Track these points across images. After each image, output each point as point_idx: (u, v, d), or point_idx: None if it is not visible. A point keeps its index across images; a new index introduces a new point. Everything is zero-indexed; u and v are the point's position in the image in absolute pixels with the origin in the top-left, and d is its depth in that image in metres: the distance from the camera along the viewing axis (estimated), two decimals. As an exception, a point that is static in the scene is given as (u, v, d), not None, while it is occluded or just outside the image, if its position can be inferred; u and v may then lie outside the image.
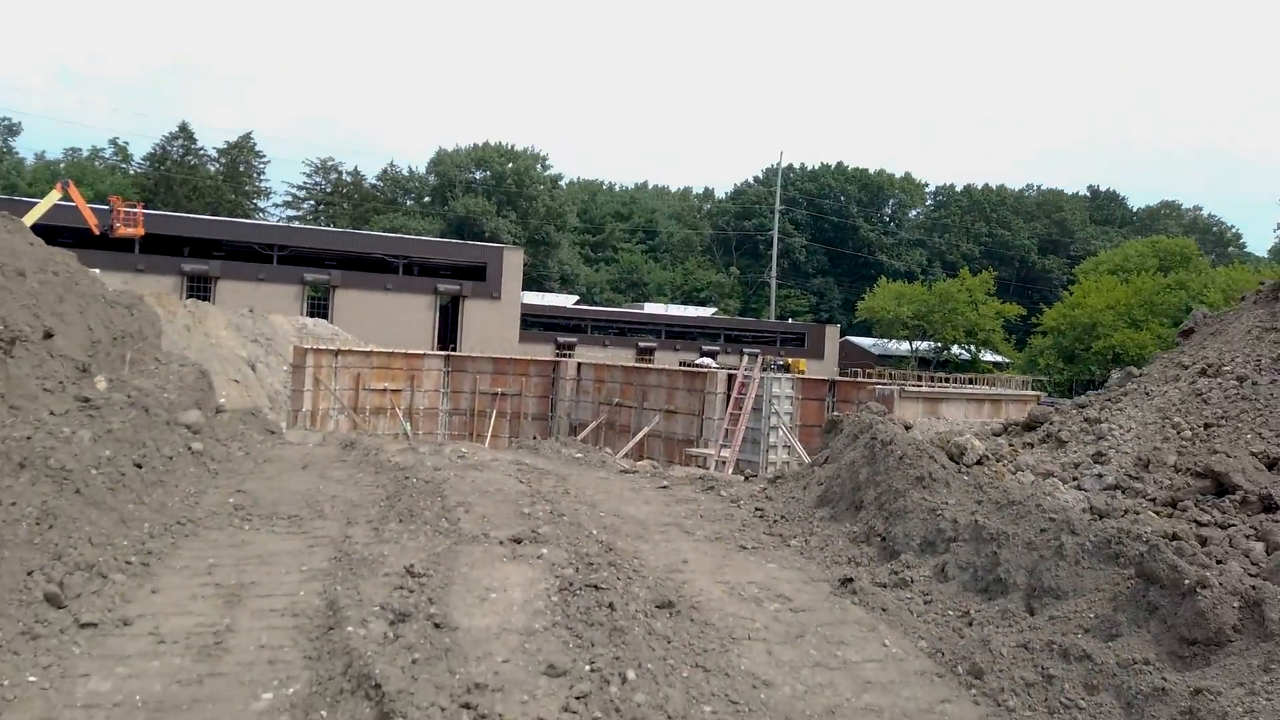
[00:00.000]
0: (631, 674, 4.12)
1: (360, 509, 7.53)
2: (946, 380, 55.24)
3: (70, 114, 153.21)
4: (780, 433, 21.59)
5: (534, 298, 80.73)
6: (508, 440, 34.53)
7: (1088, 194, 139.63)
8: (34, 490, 5.27)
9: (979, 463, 6.90)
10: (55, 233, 46.82)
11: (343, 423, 31.53)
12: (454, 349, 62.80)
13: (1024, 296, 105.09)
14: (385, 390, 32.97)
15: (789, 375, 28.43)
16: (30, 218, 35.45)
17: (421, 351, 35.54)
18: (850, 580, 5.69)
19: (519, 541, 6.15)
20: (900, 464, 6.60)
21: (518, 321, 66.99)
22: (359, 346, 40.58)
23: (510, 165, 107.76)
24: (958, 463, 6.70)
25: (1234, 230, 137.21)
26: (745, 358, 24.05)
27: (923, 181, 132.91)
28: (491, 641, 4.48)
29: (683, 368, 48.67)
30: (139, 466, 6.80)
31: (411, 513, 6.92)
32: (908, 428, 8.56)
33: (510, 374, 34.48)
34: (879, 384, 22.91)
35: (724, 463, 21.29)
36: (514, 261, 67.32)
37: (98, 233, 45.39)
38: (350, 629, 4.39)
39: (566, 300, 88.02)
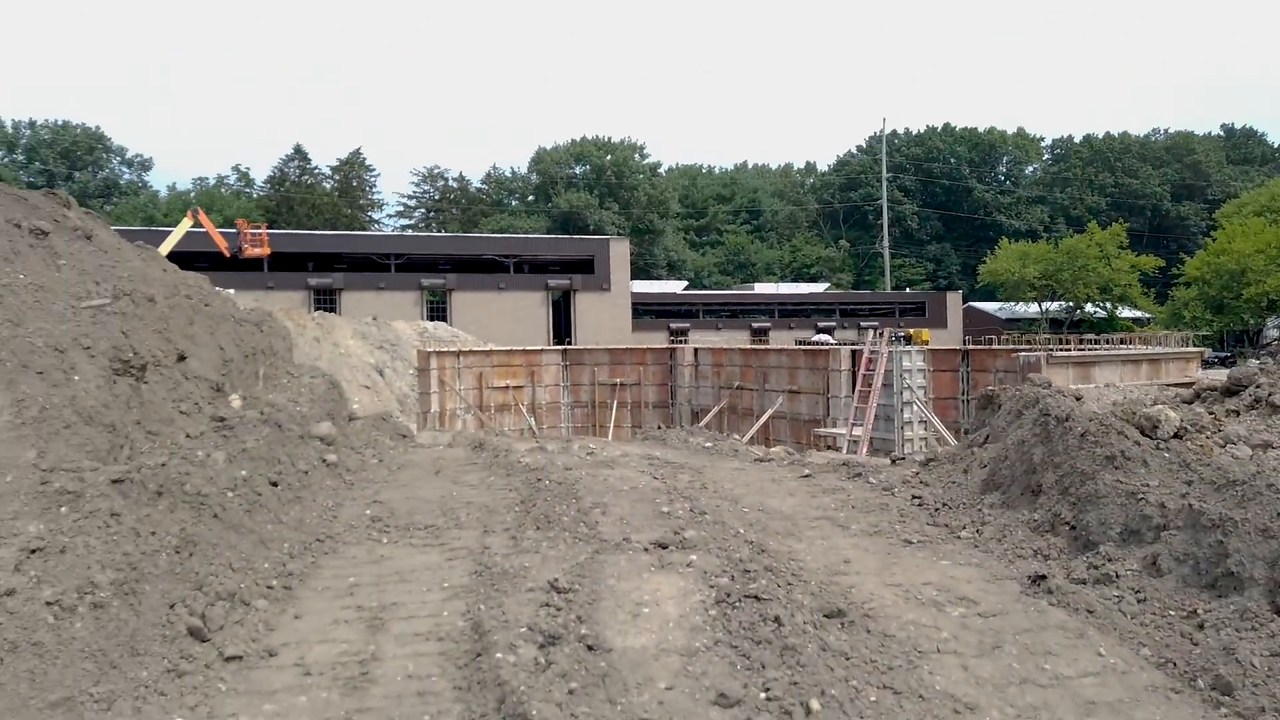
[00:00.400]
0: (815, 703, 3.64)
1: (496, 515, 7.28)
2: (1095, 342, 52.00)
3: (194, 145, 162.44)
4: (915, 408, 20.58)
5: (643, 286, 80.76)
6: (630, 430, 34.41)
7: (1222, 134, 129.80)
8: (172, 518, 5.18)
9: (1177, 436, 6.07)
10: (191, 258, 49.53)
11: (470, 421, 32.07)
12: (569, 342, 63.43)
13: (1159, 247, 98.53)
14: (508, 387, 33.35)
15: (915, 347, 27.18)
16: (165, 246, 37.49)
17: (539, 347, 35.82)
18: (1043, 577, 5.02)
19: (665, 547, 5.73)
20: (1083, 442, 5.86)
21: (629, 311, 67.05)
22: (478, 346, 41.30)
23: (609, 157, 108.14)
24: (1151, 437, 5.91)
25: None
26: (871, 333, 23.07)
27: (1037, 136, 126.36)
28: (650, 664, 4.08)
29: (801, 346, 47.60)
30: (275, 484, 6.72)
31: (548, 518, 6.60)
32: (1078, 399, 7.72)
33: (627, 364, 34.34)
34: (1019, 350, 21.55)
35: (856, 442, 20.46)
36: (620, 252, 67.39)
37: (228, 255, 47.72)
38: (499, 655, 4.05)
39: (676, 286, 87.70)
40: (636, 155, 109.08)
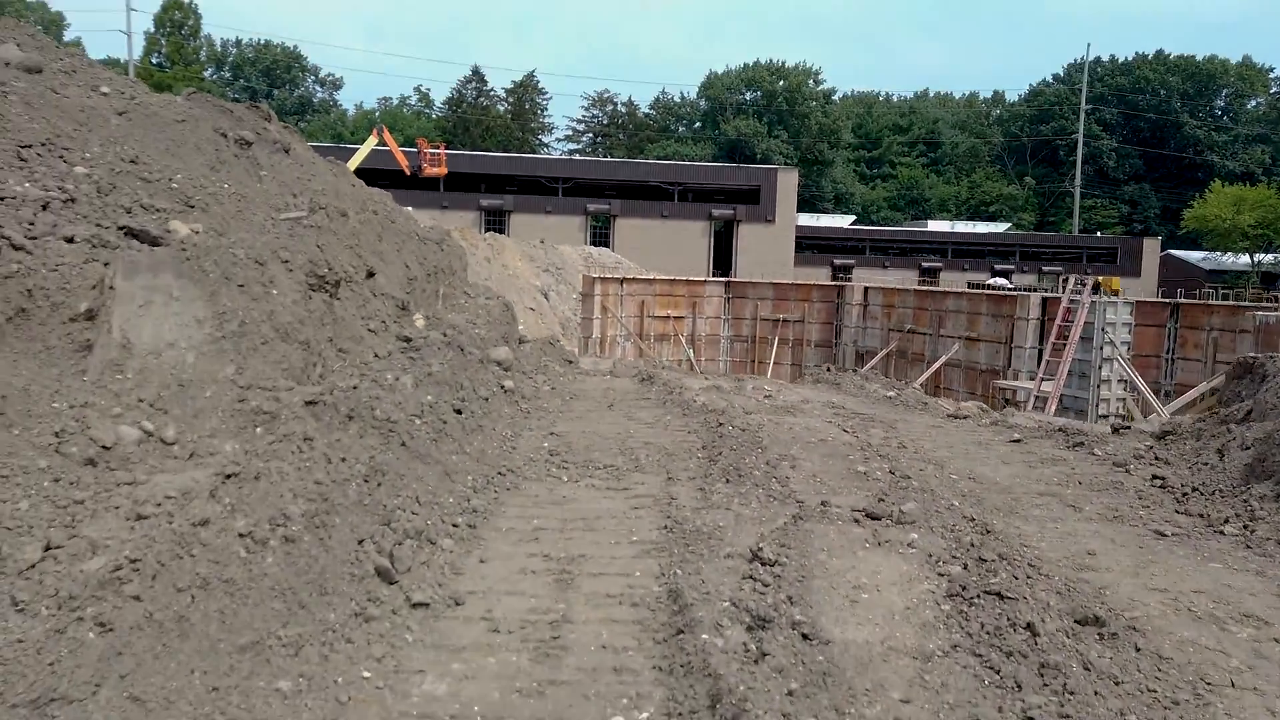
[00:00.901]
0: (1096, 744, 3.01)
1: (677, 460, 6.85)
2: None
3: (381, 65, 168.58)
4: (1115, 365, 18.76)
5: (808, 219, 78.25)
6: (790, 369, 33.57)
7: None
8: (362, 444, 5.00)
9: None
10: (375, 175, 51.54)
11: (629, 349, 32.12)
12: (730, 274, 62.52)
13: None
14: (669, 317, 33.10)
15: (1114, 298, 24.85)
16: (353, 163, 39.01)
17: (703, 278, 35.26)
18: (1356, 599, 4.11)
19: (877, 519, 5.12)
20: None
21: (792, 245, 65.27)
22: (641, 274, 41.20)
23: (782, 83, 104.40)
24: None
25: None
26: (1070, 280, 21.20)
27: (1265, 66, 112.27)
28: (879, 666, 3.53)
29: (975, 290, 44.93)
30: (459, 412, 6.53)
31: (738, 471, 6.10)
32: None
33: (792, 300, 33.32)
34: (1250, 307, 19.19)
35: (1044, 399, 18.93)
36: (788, 183, 65.36)
37: (409, 173, 49.34)
38: (705, 637, 3.61)
39: (843, 221, 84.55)
40: (810, 81, 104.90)
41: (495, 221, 61.51)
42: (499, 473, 6.11)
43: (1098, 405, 18.81)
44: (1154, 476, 6.52)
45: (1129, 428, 8.58)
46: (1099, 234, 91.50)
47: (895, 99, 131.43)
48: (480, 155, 71.76)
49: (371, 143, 45.49)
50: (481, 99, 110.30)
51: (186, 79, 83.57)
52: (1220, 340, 21.74)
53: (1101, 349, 18.51)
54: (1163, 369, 22.64)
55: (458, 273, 15.70)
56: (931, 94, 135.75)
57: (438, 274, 12.98)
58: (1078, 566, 4.68)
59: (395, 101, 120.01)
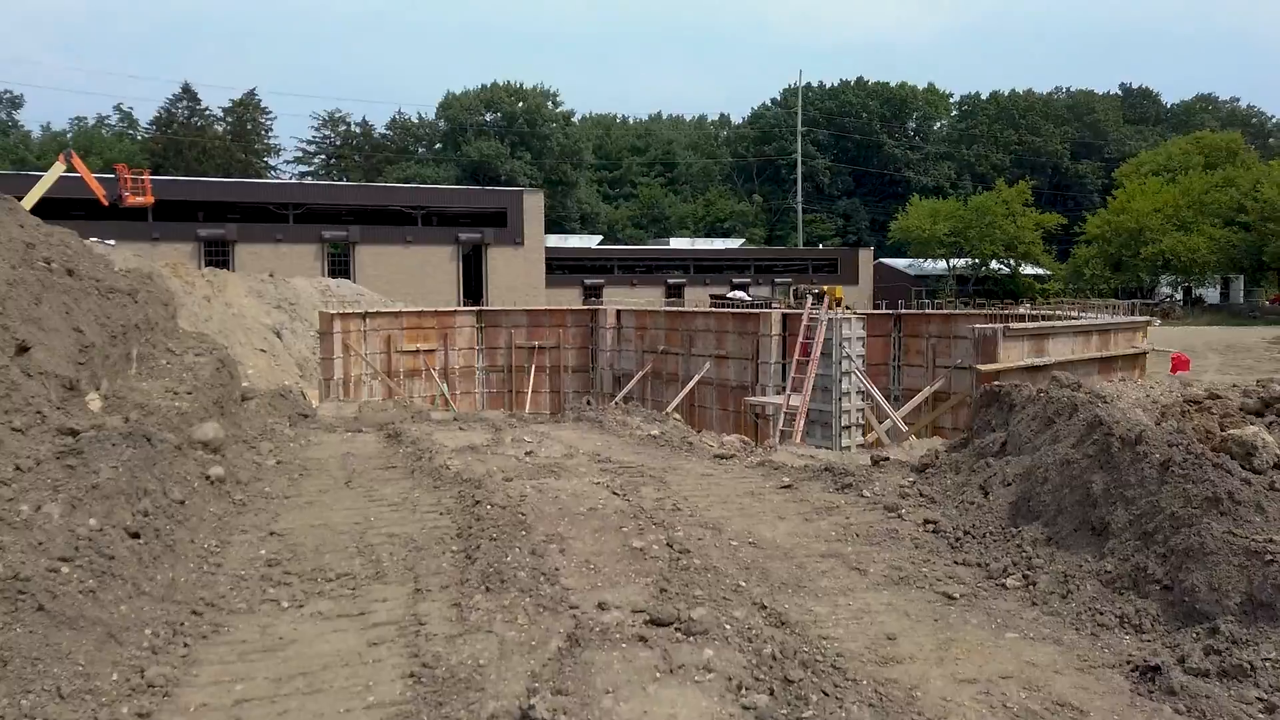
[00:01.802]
0: None
1: (426, 558, 5.84)
2: (991, 304, 52.46)
3: (71, 82, 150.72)
4: (854, 378, 19.73)
5: (557, 240, 78.58)
6: (549, 397, 32.98)
7: (1120, 92, 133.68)
8: (-29, 623, 3.58)
9: (1278, 466, 5.07)
10: (68, 206, 45.31)
11: (377, 388, 30.07)
12: (480, 300, 61.17)
13: (1058, 205, 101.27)
14: (418, 351, 31.42)
15: (851, 313, 26.38)
16: (31, 197, 33.79)
17: (452, 308, 33.86)
18: (1156, 669, 3.93)
19: (664, 625, 4.42)
20: (1167, 475, 4.78)
21: (543, 266, 65.12)
22: (386, 306, 38.96)
23: (521, 104, 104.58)
24: (1246, 468, 4.88)
25: (1276, 120, 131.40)
26: (808, 298, 22.17)
27: (947, 92, 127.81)
28: None
29: (722, 305, 46.69)
30: (136, 535, 5.12)
31: (499, 574, 5.20)
32: (1104, 399, 6.69)
33: (546, 325, 32.78)
34: (967, 317, 20.89)
35: (794, 413, 19.55)
36: (535, 205, 65.18)
37: (106, 204, 43.78)
38: None
39: (590, 241, 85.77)
40: (550, 103, 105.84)
41: (217, 253, 56.24)
42: (193, 612, 4.80)
43: (840, 416, 19.68)
44: (926, 521, 6.36)
45: (888, 459, 8.60)
46: (821, 246, 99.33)
47: (632, 121, 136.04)
48: (196, 181, 65.52)
49: (58, 170, 39.82)
50: (195, 119, 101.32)
51: None
52: (938, 346, 23.62)
53: (840, 363, 19.38)
54: (890, 375, 24.26)
55: (159, 325, 13.52)
56: (664, 116, 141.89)
57: (128, 332, 10.96)
58: (882, 659, 4.23)
59: (92, 122, 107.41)
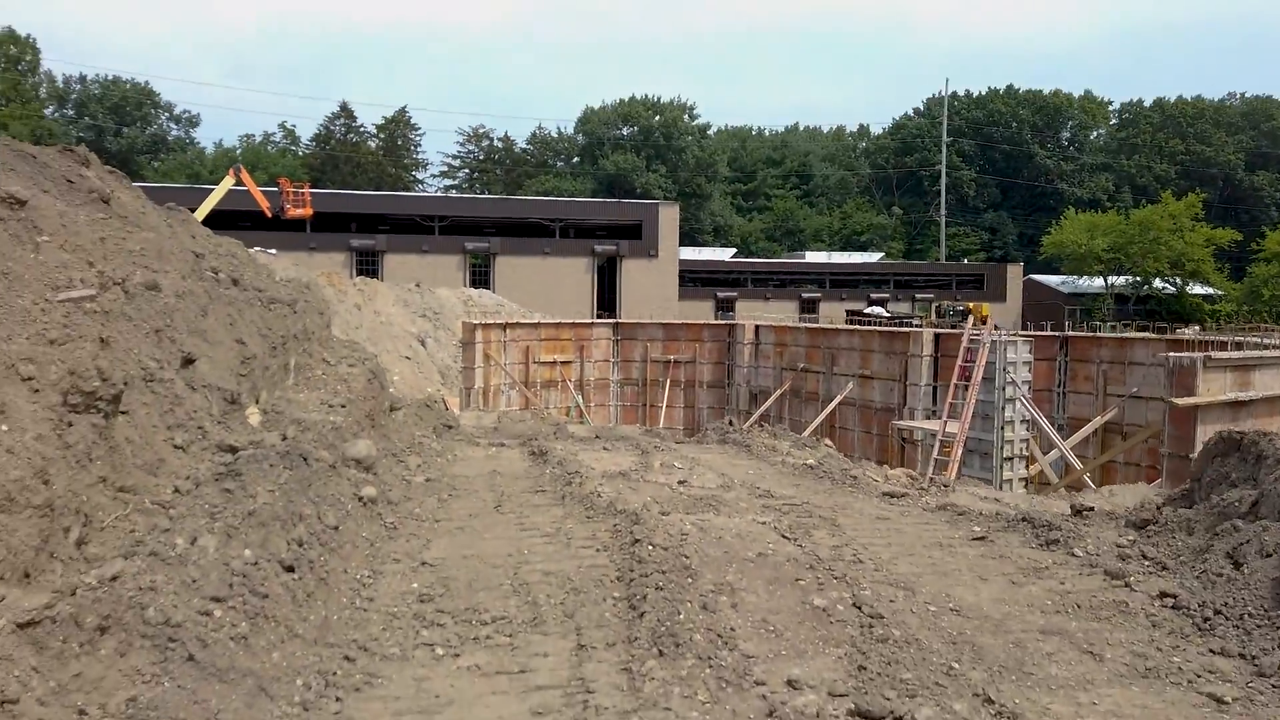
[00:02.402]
0: None
1: (587, 603, 5.34)
2: (1162, 328, 48.39)
3: (242, 102, 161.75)
4: (1018, 405, 18.31)
5: (690, 252, 78.33)
6: (683, 412, 32.52)
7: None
8: (118, 673, 3.28)
9: None
10: (235, 218, 48.22)
11: (514, 398, 30.35)
12: (614, 310, 61.48)
13: (1231, 219, 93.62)
14: (555, 363, 31.54)
15: (1014, 334, 24.72)
16: (204, 208, 36.00)
17: (588, 320, 33.90)
18: None
19: (870, 719, 3.74)
20: None
21: (676, 279, 64.90)
22: (524, 316, 39.49)
23: (657, 118, 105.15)
24: None
25: None
26: (969, 318, 20.81)
27: (1105, 100, 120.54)
28: None
29: (860, 320, 45.16)
30: (291, 570, 4.83)
31: (672, 635, 4.63)
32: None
33: (683, 340, 32.34)
34: (1136, 338, 19.13)
35: (949, 440, 18.31)
36: (669, 217, 65.08)
37: (270, 215, 46.32)
38: None
39: (724, 253, 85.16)
40: (685, 116, 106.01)
41: (368, 263, 58.68)
42: (346, 658, 4.44)
43: (1002, 447, 18.31)
44: (1162, 594, 5.41)
45: (1092, 509, 7.58)
46: (965, 261, 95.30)
47: (767, 133, 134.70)
48: (349, 194, 68.79)
49: (228, 184, 42.37)
50: (351, 135, 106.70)
51: (24, 118, 77.28)
52: (1110, 373, 21.77)
53: (1004, 389, 18.02)
54: (1054, 403, 22.55)
55: (316, 335, 13.74)
56: (801, 128, 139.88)
57: (288, 343, 11.09)
58: (1156, 786, 3.42)
59: (259, 139, 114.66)
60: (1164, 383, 13.10)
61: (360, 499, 7.18)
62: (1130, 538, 6.49)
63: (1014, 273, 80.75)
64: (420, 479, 9.58)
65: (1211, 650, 4.75)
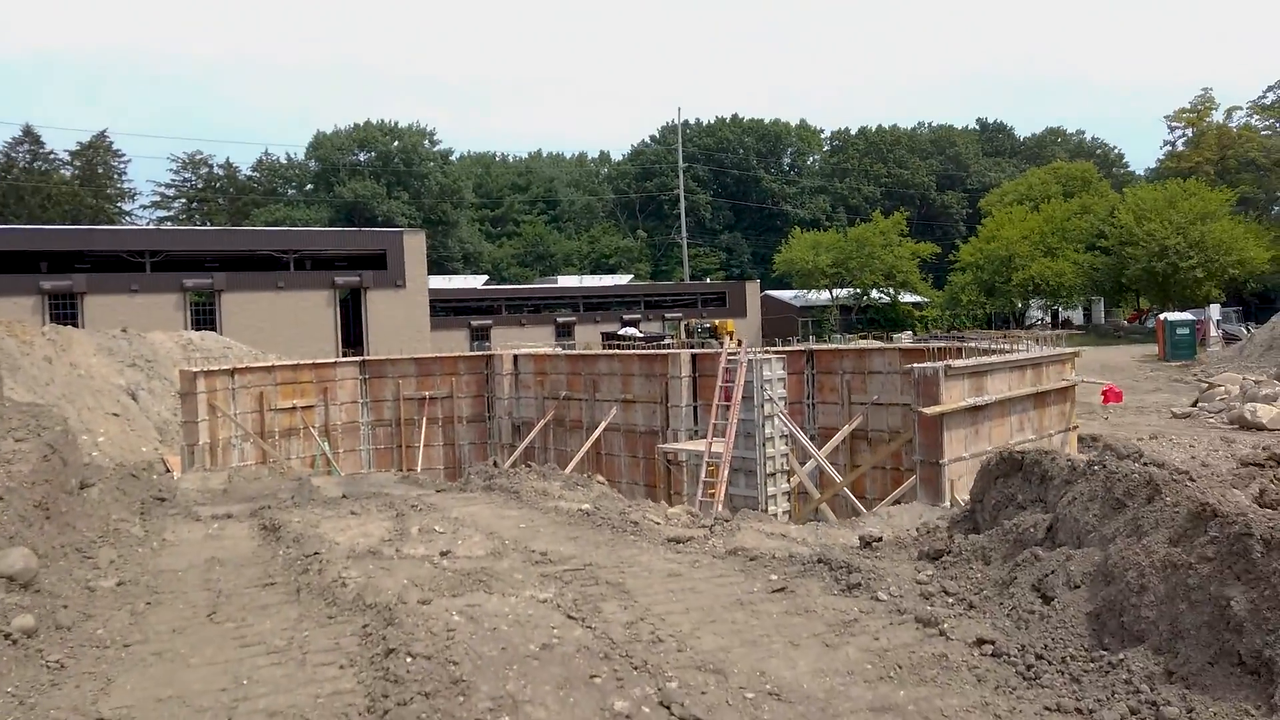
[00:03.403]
0: None
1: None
2: (867, 335, 53.06)
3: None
4: (776, 421, 18.61)
5: (440, 281, 75.98)
6: (442, 450, 30.75)
7: (977, 126, 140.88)
8: None
9: None
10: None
11: (249, 451, 27.25)
12: (362, 346, 58.02)
13: (927, 234, 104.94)
14: (295, 408, 28.73)
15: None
16: None
17: (331, 359, 31.30)
18: None
19: None
20: (1355, 594, 3.58)
21: (427, 309, 62.47)
22: (256, 359, 35.87)
23: (396, 143, 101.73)
24: None
25: (1116, 151, 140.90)
26: (726, 339, 21.02)
27: (818, 128, 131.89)
28: None
29: (616, 343, 45.49)
30: None
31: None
32: (1150, 463, 5.53)
33: (437, 374, 30.63)
34: (904, 353, 20.13)
35: (716, 460, 18.27)
36: (416, 245, 62.60)
37: (-71, 256, 39.17)
38: None
39: (475, 281, 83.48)
40: (426, 141, 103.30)
41: (63, 307, 51.40)
42: None
43: (765, 463, 18.52)
44: (979, 640, 4.99)
45: (880, 538, 7.27)
46: (708, 279, 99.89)
47: (511, 159, 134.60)
48: (37, 229, 60.18)
49: None
50: (38, 163, 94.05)
51: None
52: (852, 382, 22.85)
53: (762, 406, 18.24)
54: (805, 414, 23.35)
55: (-29, 405, 11.10)
56: (544, 154, 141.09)
57: (-83, 423, 8.68)
58: None
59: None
60: (912, 392, 13.60)
61: (6, 635, 5.37)
62: (928, 572, 6.14)
63: (752, 289, 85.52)
64: (110, 582, 7.66)
65: (1047, 708, 4.33)
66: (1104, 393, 26.52)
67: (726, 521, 9.14)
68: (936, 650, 5.00)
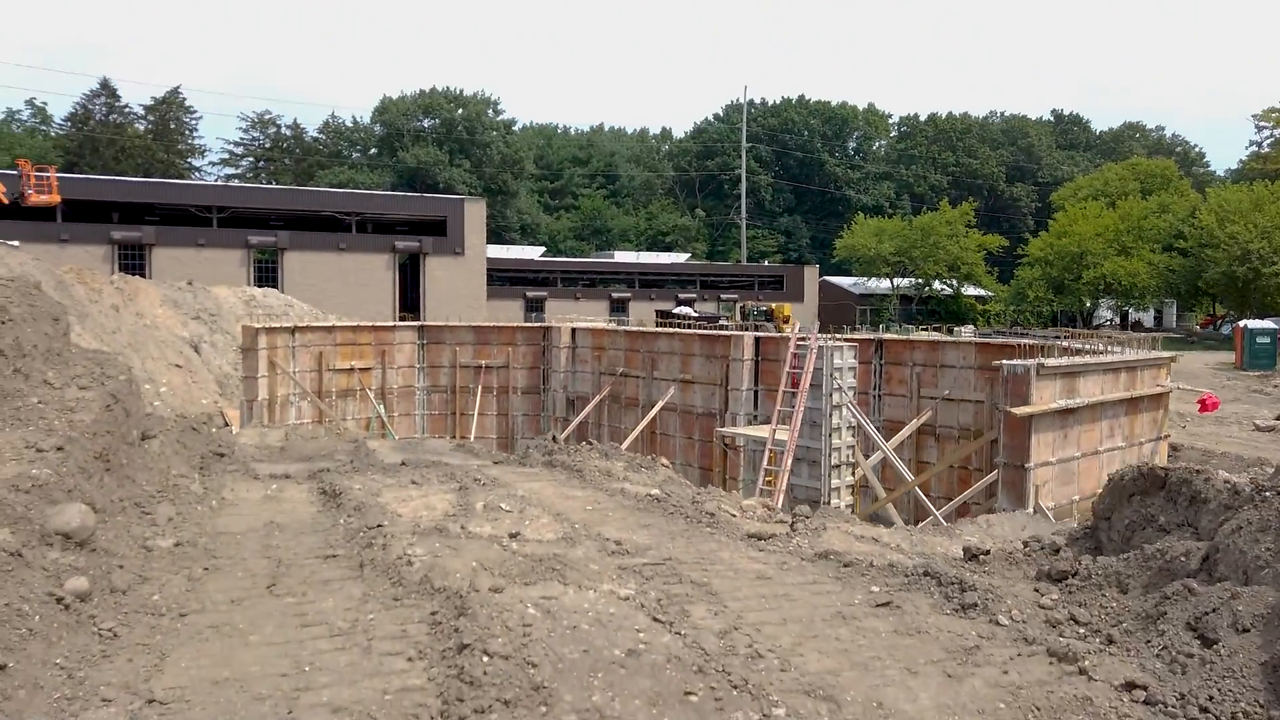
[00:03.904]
0: None
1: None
2: (1068, 336, 51.44)
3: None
4: (844, 412, 17.93)
5: (498, 251, 76.03)
6: (495, 420, 30.56)
7: (1051, 118, 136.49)
8: None
9: None
10: (-40, 204, 41.21)
11: (306, 410, 27.33)
12: (418, 311, 58.27)
13: (994, 226, 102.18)
14: (353, 370, 28.74)
15: (839, 340, 24.57)
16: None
17: (392, 324, 31.24)
18: None
19: None
20: None
21: (484, 278, 62.45)
22: (316, 319, 36.07)
23: (460, 111, 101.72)
24: None
25: (1197, 149, 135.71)
26: (795, 323, 20.34)
27: (886, 113, 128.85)
28: None
29: (670, 321, 44.92)
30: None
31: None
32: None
33: (494, 343, 30.39)
34: (947, 342, 19.31)
35: (781, 447, 17.67)
36: (476, 213, 62.49)
37: (7, 201, 39.99)
38: None
39: (533, 252, 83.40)
40: (490, 111, 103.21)
41: (133, 257, 52.31)
42: None
43: (830, 454, 17.86)
44: (1128, 684, 4.38)
45: (987, 551, 6.65)
46: (765, 262, 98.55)
47: (573, 132, 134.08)
48: (111, 180, 61.32)
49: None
50: (114, 116, 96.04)
51: None
52: (923, 375, 22.02)
53: (830, 395, 17.56)
54: (871, 406, 22.57)
55: (37, 349, 10.92)
56: (606, 128, 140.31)
57: (-16, 365, 8.48)
58: None
59: (1, 116, 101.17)
60: (1001, 390, 12.84)
61: (59, 600, 5.04)
62: (1053, 596, 5.52)
63: (811, 274, 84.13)
64: (168, 542, 7.37)
65: (1224, 773, 3.72)
66: (1200, 401, 25.22)
67: (807, 518, 8.57)
68: (1078, 692, 4.40)
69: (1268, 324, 53.68)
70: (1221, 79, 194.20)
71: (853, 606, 5.64)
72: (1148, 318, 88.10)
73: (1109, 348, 16.06)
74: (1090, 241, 72.57)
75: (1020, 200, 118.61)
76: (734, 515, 8.52)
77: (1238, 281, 66.70)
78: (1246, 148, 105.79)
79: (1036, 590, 5.73)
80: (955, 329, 73.17)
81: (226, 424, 25.54)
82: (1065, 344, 20.38)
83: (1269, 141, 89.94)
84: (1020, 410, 12.26)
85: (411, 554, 6.57)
